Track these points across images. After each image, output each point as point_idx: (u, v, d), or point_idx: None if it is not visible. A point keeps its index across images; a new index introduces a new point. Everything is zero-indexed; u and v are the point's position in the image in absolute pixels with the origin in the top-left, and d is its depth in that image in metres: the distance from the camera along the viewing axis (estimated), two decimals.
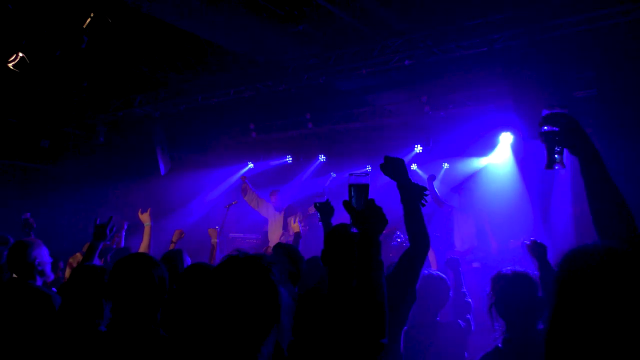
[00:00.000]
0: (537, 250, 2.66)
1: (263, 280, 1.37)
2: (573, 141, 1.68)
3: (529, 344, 2.26)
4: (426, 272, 3.19)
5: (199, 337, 1.35)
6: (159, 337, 1.99)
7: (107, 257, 4.64)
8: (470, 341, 3.23)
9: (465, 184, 7.68)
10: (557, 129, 1.71)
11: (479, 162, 8.61)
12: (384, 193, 2.81)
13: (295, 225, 4.88)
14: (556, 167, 1.74)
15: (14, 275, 3.14)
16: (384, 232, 1.78)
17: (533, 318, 2.32)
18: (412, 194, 2.22)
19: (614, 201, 1.58)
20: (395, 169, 2.24)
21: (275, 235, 7.59)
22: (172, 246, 4.52)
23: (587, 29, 5.06)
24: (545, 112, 1.73)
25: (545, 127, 1.73)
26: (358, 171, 1.93)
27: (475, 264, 6.72)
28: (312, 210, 7.07)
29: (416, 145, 8.67)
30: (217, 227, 5.05)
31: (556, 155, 1.73)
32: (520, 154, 8.10)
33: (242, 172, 9.98)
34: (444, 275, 3.22)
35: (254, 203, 7.95)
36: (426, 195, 2.31)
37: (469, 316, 3.31)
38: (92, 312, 2.55)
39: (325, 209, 3.52)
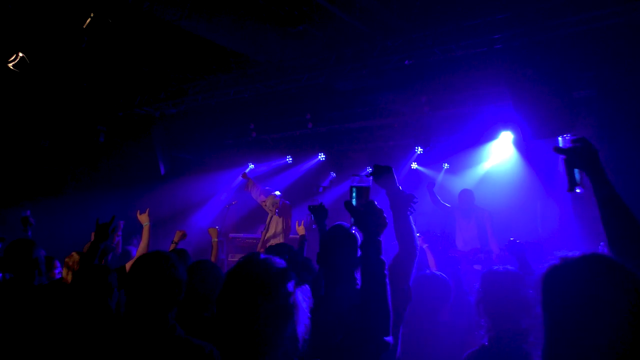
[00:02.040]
0: (516, 249, 2.68)
1: (278, 279, 1.44)
2: (585, 165, 1.78)
3: (513, 342, 2.29)
4: (428, 272, 3.21)
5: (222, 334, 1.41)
6: (174, 335, 1.99)
7: (108, 257, 4.64)
8: (470, 340, 3.23)
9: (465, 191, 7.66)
10: (571, 154, 1.81)
11: (481, 168, 8.60)
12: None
13: (300, 229, 4.88)
14: (577, 190, 1.83)
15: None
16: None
17: (517, 317, 2.35)
18: (401, 202, 2.27)
19: (627, 226, 1.61)
20: (384, 177, 2.28)
21: (271, 233, 7.60)
22: (173, 246, 4.53)
23: (587, 29, 5.06)
24: (565, 140, 1.85)
25: (564, 154, 1.84)
26: (360, 173, 1.97)
27: (477, 267, 6.71)
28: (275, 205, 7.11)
29: (417, 147, 8.67)
30: (217, 227, 5.07)
31: (576, 178, 1.82)
32: (521, 154, 8.11)
33: (246, 172, 10.03)
34: (444, 275, 3.23)
35: (260, 199, 7.96)
36: (414, 203, 2.36)
37: (469, 314, 3.31)
38: (100, 310, 2.55)
39: (319, 212, 3.53)
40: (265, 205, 7.64)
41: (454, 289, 3.40)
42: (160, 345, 1.92)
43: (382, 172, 2.28)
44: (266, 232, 7.44)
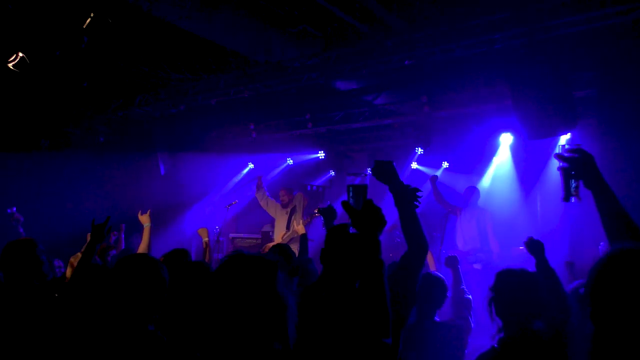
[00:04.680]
0: (535, 247, 2.66)
1: (268, 279, 1.40)
2: (585, 176, 1.76)
3: (525, 343, 2.27)
4: (423, 272, 3.20)
5: (209, 336, 1.37)
6: (156, 337, 1.99)
7: (108, 258, 4.64)
8: (472, 340, 3.23)
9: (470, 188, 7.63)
10: (570, 164, 1.80)
11: (481, 168, 8.59)
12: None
13: (300, 227, 4.88)
14: (572, 200, 1.82)
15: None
16: (385, 232, 1.79)
17: (529, 318, 2.33)
18: (405, 197, 2.22)
19: (627, 230, 1.65)
20: (385, 172, 2.23)
21: (279, 235, 7.58)
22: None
23: (587, 29, 5.05)
24: (562, 148, 1.83)
25: (562, 163, 1.82)
26: (357, 172, 1.94)
27: (477, 266, 6.71)
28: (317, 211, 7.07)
29: (417, 148, 8.67)
30: (217, 226, 5.07)
31: (572, 188, 1.81)
32: (520, 154, 8.10)
33: (245, 171, 10.06)
34: (441, 275, 3.23)
35: (263, 202, 7.99)
36: (420, 196, 2.32)
37: (467, 314, 3.31)
38: (95, 312, 2.55)
39: (328, 213, 3.54)
40: (290, 201, 7.61)
41: (452, 288, 3.41)
42: (136, 347, 1.92)
43: (384, 168, 2.23)
44: (290, 231, 7.41)
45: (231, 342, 1.35)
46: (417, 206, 2.26)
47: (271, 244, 7.60)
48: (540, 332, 2.32)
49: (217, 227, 8.06)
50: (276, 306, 1.38)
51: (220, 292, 1.39)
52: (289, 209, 7.61)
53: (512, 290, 2.38)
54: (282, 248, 3.53)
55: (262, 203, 8.02)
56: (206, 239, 4.78)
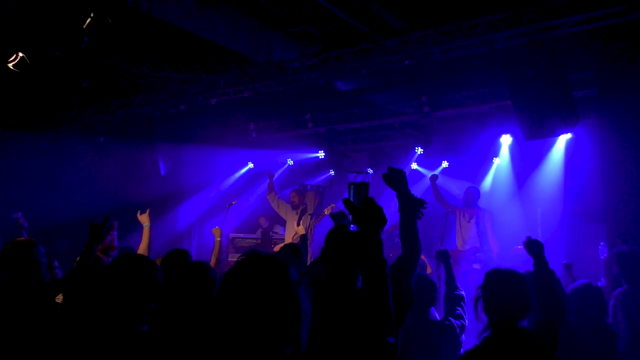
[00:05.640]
0: (534, 247, 2.66)
1: (284, 280, 1.37)
2: None
3: (508, 342, 2.30)
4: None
5: (220, 339, 1.33)
6: (149, 339, 1.99)
7: (109, 258, 4.64)
8: (468, 339, 3.22)
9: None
10: None
11: (481, 168, 8.59)
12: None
13: (299, 228, 4.89)
14: None
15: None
16: (385, 231, 1.79)
17: (515, 317, 2.35)
18: (411, 206, 2.26)
19: None
20: (396, 180, 2.28)
21: (290, 235, 7.56)
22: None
23: (587, 29, 5.05)
24: None
25: None
26: (359, 169, 1.94)
27: (476, 266, 6.71)
28: (328, 211, 7.06)
29: (417, 148, 8.67)
30: (216, 227, 5.08)
31: None
32: (520, 155, 8.11)
33: (244, 170, 10.05)
34: (429, 276, 3.24)
35: (274, 203, 7.98)
36: (424, 208, 2.36)
37: (461, 311, 3.31)
38: (90, 312, 2.55)
39: (339, 218, 3.56)
40: (300, 202, 7.61)
41: (443, 283, 3.41)
42: (128, 348, 1.91)
43: (395, 175, 2.29)
44: (295, 232, 7.40)
45: (240, 346, 1.31)
46: (419, 217, 2.31)
47: (282, 244, 7.61)
48: (529, 332, 2.34)
49: (216, 227, 8.04)
50: (293, 310, 1.35)
51: (234, 292, 1.35)
52: (299, 210, 7.60)
53: (499, 289, 2.42)
54: (294, 248, 3.53)
55: (273, 204, 8.02)
56: (218, 238, 4.79)
